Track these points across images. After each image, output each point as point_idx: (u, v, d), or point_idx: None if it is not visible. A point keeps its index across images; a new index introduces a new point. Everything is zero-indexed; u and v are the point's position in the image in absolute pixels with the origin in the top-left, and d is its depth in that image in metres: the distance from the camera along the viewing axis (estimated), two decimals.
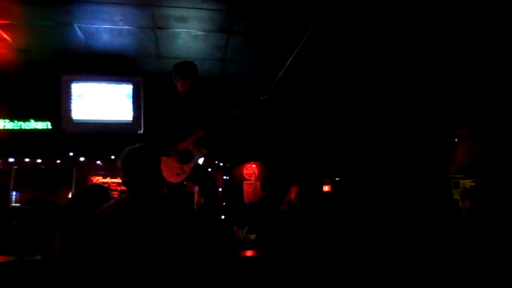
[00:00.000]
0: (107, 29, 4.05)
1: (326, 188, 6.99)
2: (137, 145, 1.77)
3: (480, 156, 1.44)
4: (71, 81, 4.72)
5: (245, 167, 6.23)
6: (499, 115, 1.51)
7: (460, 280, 1.38)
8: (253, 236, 4.70)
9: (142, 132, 4.97)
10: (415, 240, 4.02)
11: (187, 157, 3.58)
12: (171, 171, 3.54)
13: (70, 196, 5.84)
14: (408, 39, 4.10)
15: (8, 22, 3.91)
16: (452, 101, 4.94)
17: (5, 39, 4.18)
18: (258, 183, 6.16)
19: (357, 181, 6.59)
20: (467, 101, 4.72)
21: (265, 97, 3.58)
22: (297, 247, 4.40)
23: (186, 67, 3.42)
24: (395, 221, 5.19)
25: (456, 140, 1.56)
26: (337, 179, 7.23)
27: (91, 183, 5.58)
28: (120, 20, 3.89)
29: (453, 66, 4.64)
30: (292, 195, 4.90)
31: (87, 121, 4.76)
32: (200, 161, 3.62)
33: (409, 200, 5.77)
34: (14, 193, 6.00)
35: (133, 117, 4.86)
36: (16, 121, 5.46)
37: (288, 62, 4.37)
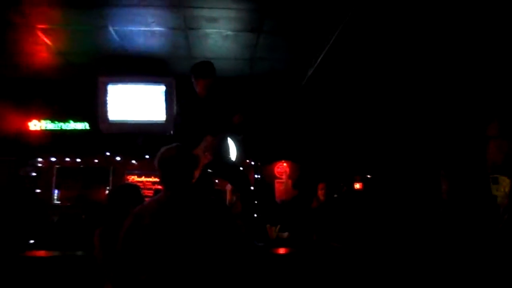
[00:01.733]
0: (140, 31, 4.16)
1: (357, 185, 6.90)
2: (173, 146, 1.81)
3: (510, 152, 1.42)
4: (108, 82, 4.88)
5: (276, 166, 6.23)
6: None
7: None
8: (285, 234, 4.69)
9: (173, 133, 5.07)
10: (453, 238, 3.90)
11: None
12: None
13: (106, 194, 6.05)
14: (439, 36, 3.97)
15: (48, 26, 4.09)
16: (483, 100, 4.78)
17: (45, 43, 4.38)
18: (290, 181, 6.14)
19: (389, 178, 6.45)
20: (497, 101, 4.56)
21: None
22: (328, 245, 4.36)
23: (205, 67, 3.40)
24: (431, 219, 5.05)
25: (486, 139, 1.53)
26: (368, 176, 7.12)
27: (124, 183, 5.75)
28: (153, 22, 3.98)
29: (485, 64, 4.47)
30: (319, 192, 4.89)
31: (123, 122, 4.91)
32: (233, 157, 3.64)
33: (447, 198, 5.60)
34: (55, 191, 6.30)
35: (166, 118, 4.96)
36: (56, 122, 5.70)
37: (319, 60, 4.32)
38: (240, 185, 3.66)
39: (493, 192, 6.34)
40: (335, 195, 6.73)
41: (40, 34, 4.18)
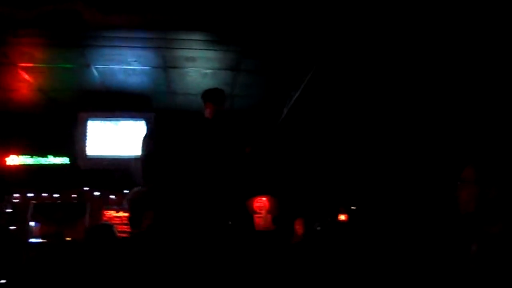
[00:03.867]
0: (121, 69, 4.29)
1: (342, 217, 6.88)
2: (138, 189, 1.85)
3: (483, 200, 1.43)
4: (88, 118, 4.94)
5: (255, 201, 6.25)
6: (501, 159, 1.52)
7: None
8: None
9: None
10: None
11: None
12: None
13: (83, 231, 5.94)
14: (411, 74, 4.18)
15: (30, 65, 4.18)
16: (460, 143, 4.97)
17: (26, 80, 4.45)
18: (269, 216, 6.15)
19: (373, 210, 6.48)
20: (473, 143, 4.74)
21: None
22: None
23: (216, 93, 3.62)
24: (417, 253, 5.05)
25: (459, 183, 1.55)
26: (352, 208, 7.13)
27: (99, 222, 5.66)
28: (134, 61, 4.11)
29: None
30: (296, 227, 4.88)
31: (101, 157, 4.93)
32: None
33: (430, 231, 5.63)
34: (32, 226, 6.15)
35: None
36: (35, 157, 5.67)
37: (294, 98, 4.48)
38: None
39: None
40: (318, 228, 6.73)
41: (21, 72, 4.26)
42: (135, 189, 1.89)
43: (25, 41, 3.74)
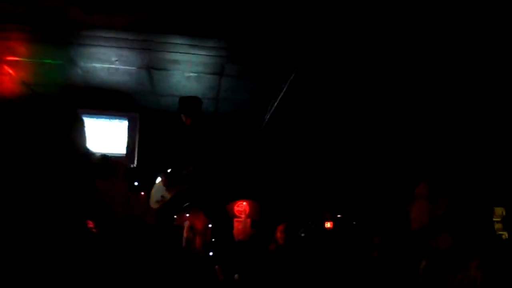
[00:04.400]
0: (104, 68, 4.28)
1: (328, 224, 6.86)
2: None
3: (433, 216, 1.46)
4: None
5: (236, 205, 6.27)
6: (452, 175, 1.54)
7: None
8: (236, 276, 4.67)
9: (135, 165, 5.10)
10: None
11: (173, 183, 3.77)
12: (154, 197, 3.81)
13: None
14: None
15: (14, 58, 4.17)
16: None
17: (9, 74, 4.43)
18: (249, 220, 6.17)
19: (359, 218, 6.48)
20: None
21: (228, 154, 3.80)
22: None
23: (190, 104, 3.66)
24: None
25: (411, 199, 1.57)
26: (338, 216, 7.13)
27: None
28: (116, 61, 4.11)
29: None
30: (278, 234, 4.83)
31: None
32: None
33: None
34: None
35: (127, 151, 5.00)
36: None
37: (277, 101, 4.50)
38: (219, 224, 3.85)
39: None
40: (302, 234, 6.73)
41: (3, 65, 4.25)
42: None
43: (9, 36, 3.73)
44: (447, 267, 1.38)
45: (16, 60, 4.19)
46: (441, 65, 3.82)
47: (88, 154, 1.04)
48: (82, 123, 1.02)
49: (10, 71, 4.37)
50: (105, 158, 1.21)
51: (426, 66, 3.86)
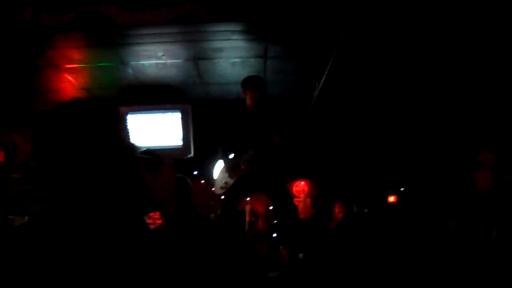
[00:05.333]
0: (152, 64, 4.43)
1: (391, 198, 6.69)
2: None
3: (500, 183, 1.41)
4: (127, 112, 5.17)
5: (294, 185, 6.27)
6: None
7: None
8: (300, 255, 4.72)
9: (192, 155, 5.27)
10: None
11: (235, 169, 3.89)
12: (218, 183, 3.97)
13: None
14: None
15: (72, 66, 4.46)
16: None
17: (69, 81, 4.75)
18: (309, 200, 6.15)
19: (426, 190, 6.21)
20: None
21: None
22: (343, 267, 4.34)
23: (252, 79, 3.72)
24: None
25: (476, 166, 1.53)
26: (401, 189, 6.91)
27: None
28: (163, 56, 4.23)
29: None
30: (336, 211, 4.88)
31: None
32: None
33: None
34: None
35: (183, 142, 5.17)
36: None
37: (324, 76, 4.37)
38: (281, 205, 3.94)
39: None
40: (366, 210, 6.63)
41: (64, 73, 4.55)
42: None
43: (64, 45, 3.98)
44: None
45: (74, 67, 4.47)
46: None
47: (133, 147, 1.08)
48: (123, 118, 1.06)
49: (70, 78, 4.68)
50: (149, 151, 1.24)
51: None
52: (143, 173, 1.21)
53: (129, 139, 1.09)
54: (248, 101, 3.89)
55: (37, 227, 0.92)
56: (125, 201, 1.11)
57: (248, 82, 3.90)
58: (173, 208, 1.23)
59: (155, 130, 5.14)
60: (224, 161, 4.10)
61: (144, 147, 1.26)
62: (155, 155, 1.26)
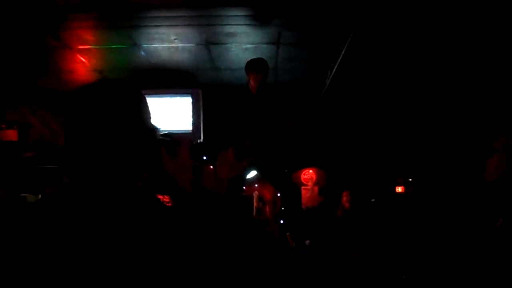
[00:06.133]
0: (164, 47, 4.42)
1: (399, 189, 6.68)
2: None
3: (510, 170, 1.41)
4: None
5: (303, 173, 6.28)
6: None
7: None
8: (307, 242, 4.77)
9: (202, 140, 5.29)
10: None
11: (241, 154, 3.89)
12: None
13: None
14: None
15: (84, 47, 4.47)
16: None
17: (82, 62, 4.77)
18: (316, 188, 6.17)
19: (435, 180, 6.18)
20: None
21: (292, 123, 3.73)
22: (349, 254, 4.37)
23: (257, 63, 3.69)
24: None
25: (490, 151, 1.53)
26: (410, 179, 6.89)
27: None
28: (175, 39, 4.22)
29: None
30: (344, 200, 4.91)
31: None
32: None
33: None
34: None
35: (193, 127, 5.19)
36: None
37: (337, 64, 4.33)
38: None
39: None
40: (373, 199, 6.64)
41: (77, 54, 4.57)
42: None
43: (77, 25, 3.98)
44: None
45: (87, 48, 4.48)
46: None
47: (154, 129, 1.11)
48: (144, 99, 1.08)
49: (83, 59, 4.69)
50: (168, 134, 1.27)
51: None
52: (162, 154, 1.24)
53: (151, 120, 1.12)
54: (252, 83, 3.86)
55: (66, 199, 0.96)
56: (144, 180, 1.14)
57: (252, 65, 3.87)
58: (190, 188, 1.26)
59: (165, 113, 5.16)
60: (231, 148, 4.09)
61: (165, 131, 1.29)
62: (174, 138, 1.29)
